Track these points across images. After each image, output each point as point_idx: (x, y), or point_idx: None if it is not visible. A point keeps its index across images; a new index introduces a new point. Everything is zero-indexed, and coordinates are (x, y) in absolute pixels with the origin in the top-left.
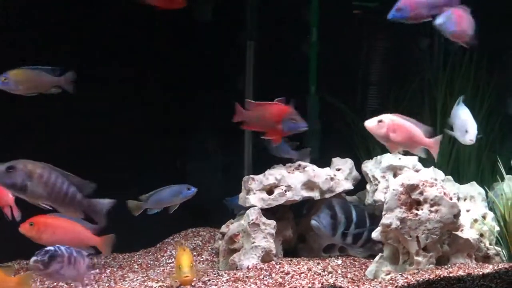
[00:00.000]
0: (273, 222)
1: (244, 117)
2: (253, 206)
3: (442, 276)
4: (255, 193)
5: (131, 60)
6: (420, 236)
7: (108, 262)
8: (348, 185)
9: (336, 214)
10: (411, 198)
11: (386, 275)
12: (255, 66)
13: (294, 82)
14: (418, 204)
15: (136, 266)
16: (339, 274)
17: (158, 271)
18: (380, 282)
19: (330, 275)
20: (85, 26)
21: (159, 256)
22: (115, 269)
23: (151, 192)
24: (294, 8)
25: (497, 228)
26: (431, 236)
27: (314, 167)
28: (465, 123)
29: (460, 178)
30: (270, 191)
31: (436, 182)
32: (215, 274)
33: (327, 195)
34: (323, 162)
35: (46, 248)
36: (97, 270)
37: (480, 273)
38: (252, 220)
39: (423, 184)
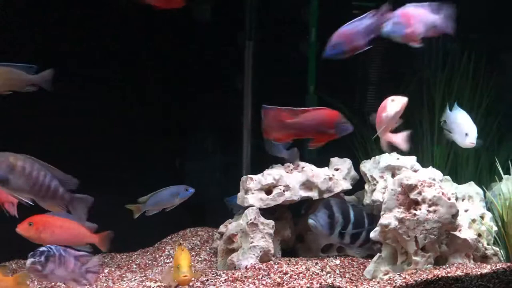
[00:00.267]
0: (271, 222)
1: (293, 122)
2: (251, 206)
3: (440, 276)
4: (254, 193)
5: (130, 60)
6: (418, 236)
7: (106, 262)
8: (347, 185)
9: (334, 213)
10: (410, 198)
11: (384, 275)
12: (254, 66)
13: (293, 82)
14: (416, 204)
15: (134, 266)
16: (337, 274)
17: (156, 271)
18: (378, 282)
19: (329, 275)
20: (83, 26)
21: (157, 256)
22: (113, 269)
23: (150, 194)
24: (293, 8)
25: (495, 228)
26: (429, 236)
27: (313, 167)
28: (464, 126)
29: (458, 178)
30: (268, 191)
31: (434, 182)
32: (213, 274)
33: (325, 195)
34: (321, 162)
35: (40, 249)
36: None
37: (478, 273)
38: (250, 220)
39: (422, 184)
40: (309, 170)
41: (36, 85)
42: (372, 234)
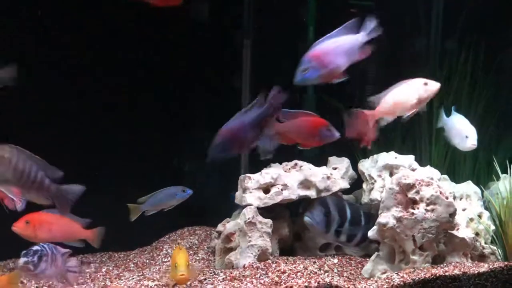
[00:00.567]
0: (269, 221)
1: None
2: (249, 205)
3: (438, 275)
4: (252, 192)
5: (127, 59)
6: (416, 235)
7: (104, 260)
8: (345, 184)
9: (330, 211)
10: (408, 197)
11: (382, 274)
12: (252, 65)
13: (291, 81)
14: (414, 203)
15: (132, 265)
16: (335, 273)
17: (154, 270)
18: (376, 281)
19: (326, 274)
20: (81, 24)
21: (155, 255)
22: (110, 268)
23: (149, 194)
24: (291, 6)
25: (493, 227)
26: (427, 235)
27: (311, 166)
28: (463, 130)
29: (456, 177)
30: (266, 190)
31: (432, 181)
32: (211, 273)
33: (323, 194)
34: (319, 161)
35: (33, 248)
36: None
37: (476, 272)
38: (248, 219)
39: (419, 183)
40: (307, 169)
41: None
42: (370, 233)
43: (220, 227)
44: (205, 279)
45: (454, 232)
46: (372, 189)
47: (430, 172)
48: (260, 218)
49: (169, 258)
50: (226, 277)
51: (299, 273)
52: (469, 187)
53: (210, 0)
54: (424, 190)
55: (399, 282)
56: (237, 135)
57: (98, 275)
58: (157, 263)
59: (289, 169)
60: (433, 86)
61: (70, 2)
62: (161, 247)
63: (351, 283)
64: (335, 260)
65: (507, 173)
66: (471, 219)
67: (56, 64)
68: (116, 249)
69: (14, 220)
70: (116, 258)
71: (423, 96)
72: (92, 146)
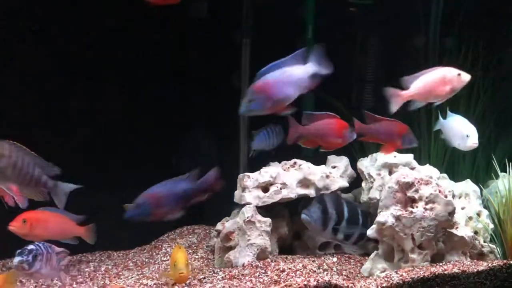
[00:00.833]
0: (268, 220)
1: (364, 130)
2: (248, 203)
3: (437, 273)
4: (251, 191)
5: (126, 57)
6: (415, 234)
7: (103, 259)
8: (344, 183)
9: (327, 209)
10: (406, 196)
11: (381, 272)
12: (251, 64)
13: None
14: (413, 201)
15: (131, 264)
16: (334, 271)
17: (153, 269)
18: (375, 280)
19: (326, 272)
20: (79, 23)
21: (154, 253)
22: (110, 267)
23: None
24: (290, 5)
25: (492, 226)
26: (426, 233)
27: (310, 164)
28: (463, 129)
29: (455, 176)
30: (265, 189)
31: (431, 180)
32: (210, 272)
33: (322, 193)
34: (318, 159)
35: (28, 247)
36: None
37: (475, 270)
38: (247, 217)
39: (418, 182)
40: (306, 168)
41: None
42: (369, 232)
43: (219, 226)
44: (204, 278)
45: (453, 230)
46: (371, 187)
47: (429, 170)
48: (259, 217)
49: (168, 257)
50: (225, 275)
51: (298, 272)
52: (468, 185)
53: None
54: (423, 188)
55: (398, 281)
56: (159, 203)
57: (97, 274)
58: (156, 262)
59: (288, 168)
60: (466, 77)
61: (69, 1)
62: (160, 246)
63: (350, 281)
64: (334, 259)
65: (506, 172)
66: (470, 218)
67: (56, 63)
68: (115, 248)
69: (12, 218)
70: (115, 257)
71: (455, 86)
72: (91, 145)
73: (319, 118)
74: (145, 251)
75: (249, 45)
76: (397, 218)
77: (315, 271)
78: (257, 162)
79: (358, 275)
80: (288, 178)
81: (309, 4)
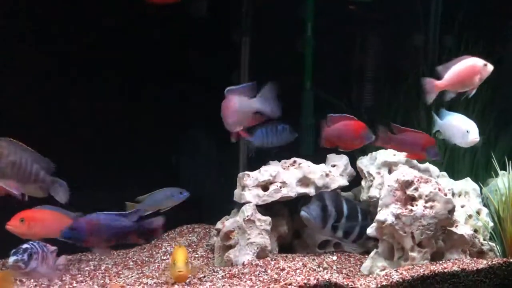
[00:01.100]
0: (268, 219)
1: (390, 141)
2: (248, 202)
3: (436, 271)
4: (250, 190)
5: (125, 57)
6: (415, 232)
7: (102, 259)
8: (343, 181)
9: (327, 206)
10: (406, 194)
11: (381, 270)
12: (250, 62)
13: (289, 78)
14: (413, 200)
15: (131, 263)
16: (334, 270)
17: (153, 268)
18: (375, 278)
19: (325, 271)
20: (78, 22)
21: (154, 252)
22: (109, 266)
23: (147, 194)
24: (289, 3)
25: (491, 224)
26: (425, 232)
27: (309, 163)
28: (462, 125)
29: (455, 174)
30: (265, 188)
31: (430, 178)
32: (210, 271)
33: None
34: (318, 158)
35: (23, 247)
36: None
37: (474, 268)
38: (247, 216)
39: (418, 180)
40: (306, 167)
41: None
42: (369, 230)
43: (219, 224)
44: (204, 276)
45: (453, 228)
46: (370, 186)
47: (428, 169)
48: (259, 215)
49: (168, 256)
50: (225, 274)
51: (298, 270)
52: (467, 184)
53: None
54: (422, 187)
55: (398, 279)
56: (94, 231)
57: (97, 273)
58: (156, 261)
59: (288, 166)
60: (490, 67)
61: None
62: (160, 245)
63: (350, 280)
64: (334, 257)
65: (505, 170)
66: (470, 216)
67: (56, 63)
68: (115, 247)
69: (9, 218)
70: (115, 256)
71: (483, 76)
72: (92, 145)
73: (338, 120)
74: (145, 250)
75: (248, 44)
76: (397, 216)
77: (315, 270)
78: (256, 161)
79: (358, 273)
80: (288, 176)
81: (309, 3)
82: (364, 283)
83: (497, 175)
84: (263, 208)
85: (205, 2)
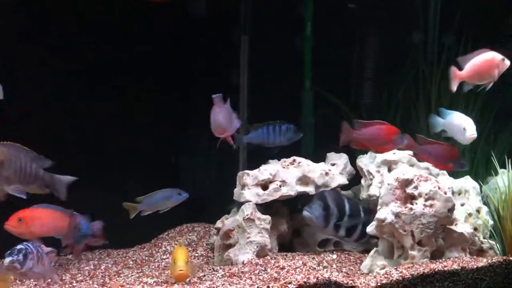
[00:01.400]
0: (268, 217)
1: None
2: (248, 201)
3: (436, 270)
4: (250, 188)
5: (124, 57)
6: (415, 231)
7: (102, 258)
8: (343, 180)
9: (329, 205)
10: (406, 192)
11: (381, 269)
12: (249, 61)
13: (289, 77)
14: (412, 198)
15: (131, 262)
16: (334, 268)
17: (153, 267)
18: (375, 276)
19: (325, 269)
20: (77, 21)
21: (154, 252)
22: (109, 265)
23: (146, 194)
24: (288, 2)
25: (491, 222)
26: (425, 230)
27: (309, 162)
28: (460, 123)
29: (455, 172)
30: (265, 186)
31: (430, 177)
32: (210, 270)
33: (322, 190)
34: (318, 157)
35: (18, 247)
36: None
37: (474, 266)
38: (247, 215)
39: (418, 178)
40: (306, 165)
41: None
42: (369, 229)
43: (219, 223)
44: (204, 275)
45: (453, 227)
46: (370, 184)
47: (428, 167)
48: (258, 214)
49: (168, 255)
50: (225, 273)
51: (298, 269)
52: (467, 182)
53: None
54: (422, 185)
55: (398, 278)
56: None
57: (97, 273)
58: (156, 260)
59: (288, 165)
60: (508, 62)
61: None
62: (160, 244)
63: (350, 278)
64: (334, 256)
65: (505, 168)
66: (470, 214)
67: (55, 63)
68: (115, 246)
69: (6, 218)
70: (115, 256)
71: (501, 70)
72: (91, 145)
73: (370, 124)
74: (145, 249)
75: (247, 42)
76: (397, 215)
77: (314, 268)
78: (256, 160)
79: (358, 272)
80: (287, 175)
81: (308, 1)
82: (364, 282)
83: (497, 173)
84: (263, 207)
85: (203, 0)
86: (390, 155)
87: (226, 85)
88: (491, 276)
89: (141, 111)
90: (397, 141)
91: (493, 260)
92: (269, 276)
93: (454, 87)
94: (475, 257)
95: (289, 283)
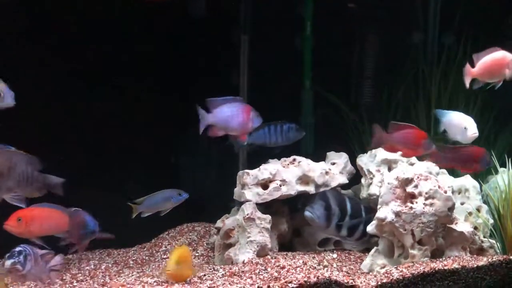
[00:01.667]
0: (268, 217)
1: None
2: (248, 200)
3: (437, 269)
4: (250, 188)
5: (124, 57)
6: (415, 230)
7: (103, 257)
8: (343, 179)
9: (330, 205)
10: (406, 191)
11: (381, 268)
12: (249, 61)
13: (289, 76)
14: (412, 197)
15: (132, 262)
16: (334, 267)
17: (154, 267)
18: (375, 275)
19: (326, 268)
20: (77, 21)
21: (154, 251)
22: (110, 265)
23: (146, 196)
24: (288, 2)
25: (491, 221)
26: (425, 229)
27: (309, 161)
28: (461, 122)
29: (455, 171)
30: (265, 186)
31: (430, 176)
32: (210, 269)
33: (322, 189)
34: (318, 156)
35: (17, 249)
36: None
37: (475, 265)
38: (247, 214)
39: (418, 177)
40: (306, 165)
41: None
42: (369, 228)
43: (219, 223)
44: (204, 275)
45: (453, 226)
46: (370, 184)
47: (428, 166)
48: (259, 213)
49: (168, 255)
50: (225, 273)
51: (298, 268)
52: (467, 181)
53: None
54: (422, 184)
55: (398, 277)
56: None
57: (98, 272)
58: (157, 259)
59: (288, 164)
60: None
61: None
62: (160, 244)
63: (350, 277)
64: (334, 255)
65: (505, 167)
66: (470, 213)
67: (55, 63)
68: (115, 246)
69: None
70: (116, 255)
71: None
72: (91, 144)
73: (401, 128)
74: (145, 249)
75: (247, 42)
76: (397, 214)
77: (315, 268)
78: (256, 159)
79: (358, 271)
80: (287, 175)
81: (308, 1)
82: (364, 281)
83: (497, 172)
84: (263, 207)
85: (203, 0)
86: (390, 154)
87: (226, 85)
88: (492, 275)
89: (141, 111)
90: (426, 145)
91: (493, 259)
92: (270, 276)
93: (467, 84)
94: (475, 256)
95: (290, 282)
